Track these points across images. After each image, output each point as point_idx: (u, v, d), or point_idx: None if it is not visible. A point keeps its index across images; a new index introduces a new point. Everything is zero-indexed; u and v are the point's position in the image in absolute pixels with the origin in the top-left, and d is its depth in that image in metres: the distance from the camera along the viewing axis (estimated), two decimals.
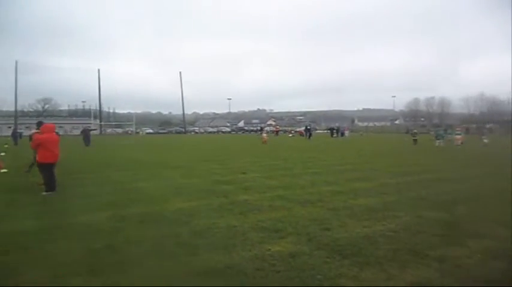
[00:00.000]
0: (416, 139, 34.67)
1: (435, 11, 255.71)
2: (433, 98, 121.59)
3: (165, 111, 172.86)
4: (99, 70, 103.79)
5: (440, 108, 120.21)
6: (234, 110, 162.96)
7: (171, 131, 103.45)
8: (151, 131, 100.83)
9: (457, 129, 35.00)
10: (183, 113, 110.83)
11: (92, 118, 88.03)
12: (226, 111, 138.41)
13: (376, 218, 7.24)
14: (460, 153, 24.44)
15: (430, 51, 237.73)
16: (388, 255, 5.21)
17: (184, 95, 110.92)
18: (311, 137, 49.19)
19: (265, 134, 42.97)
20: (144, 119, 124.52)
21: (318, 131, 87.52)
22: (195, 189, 10.69)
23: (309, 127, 56.38)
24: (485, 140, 30.77)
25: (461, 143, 28.56)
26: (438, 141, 31.31)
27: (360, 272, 4.62)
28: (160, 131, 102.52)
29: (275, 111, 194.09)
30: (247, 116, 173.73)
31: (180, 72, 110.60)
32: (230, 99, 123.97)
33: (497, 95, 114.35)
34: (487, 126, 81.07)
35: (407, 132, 61.78)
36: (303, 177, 12.99)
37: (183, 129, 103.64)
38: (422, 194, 9.61)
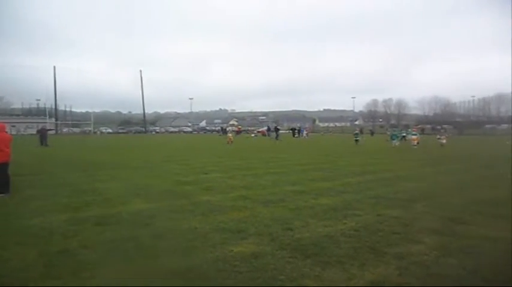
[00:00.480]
0: (358, 139, 35.56)
1: (392, 16, 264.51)
2: (390, 99, 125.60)
3: (124, 111, 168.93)
4: (54, 67, 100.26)
5: (397, 109, 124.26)
6: (196, 109, 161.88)
7: (131, 130, 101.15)
8: (110, 130, 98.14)
9: (413, 130, 36.09)
10: (144, 113, 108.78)
11: (47, 117, 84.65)
12: (188, 111, 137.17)
13: (338, 217, 7.31)
14: (416, 152, 25.27)
15: (387, 54, 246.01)
16: (349, 254, 5.25)
17: (144, 94, 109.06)
18: (278, 138, 48.65)
19: (230, 134, 43.13)
20: (102, 119, 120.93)
21: (280, 131, 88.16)
22: (155, 190, 10.44)
23: (278, 127, 56.02)
24: (443, 141, 31.62)
25: (417, 143, 29.53)
26: (394, 141, 31.99)
27: (322, 272, 4.62)
28: (120, 131, 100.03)
29: (237, 111, 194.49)
30: (209, 116, 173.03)
31: (140, 71, 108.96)
32: (192, 99, 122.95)
33: (450, 97, 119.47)
34: (440, 127, 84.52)
35: (360, 132, 63.36)
36: (265, 177, 12.99)
37: (144, 129, 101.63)
38: (381, 193, 9.82)
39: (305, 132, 62.42)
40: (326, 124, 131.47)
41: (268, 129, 70.01)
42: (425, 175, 13.70)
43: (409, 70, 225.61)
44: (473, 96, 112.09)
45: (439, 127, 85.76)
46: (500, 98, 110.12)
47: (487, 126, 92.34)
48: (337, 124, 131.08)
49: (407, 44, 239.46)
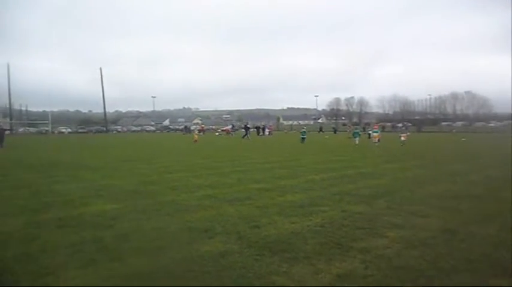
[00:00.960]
0: (304, 137, 35.49)
1: (352, 16, 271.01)
2: (352, 98, 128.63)
3: (84, 110, 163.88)
4: (8, 65, 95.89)
5: (359, 107, 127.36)
6: (159, 108, 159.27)
7: (91, 130, 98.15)
8: (69, 130, 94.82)
9: (374, 127, 37.03)
10: (104, 112, 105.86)
11: (1, 116, 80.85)
12: (150, 109, 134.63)
13: (303, 213, 7.41)
14: (377, 149, 25.97)
15: (348, 54, 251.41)
16: (316, 249, 5.34)
17: (106, 92, 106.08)
18: (248, 136, 47.72)
19: (196, 133, 44.01)
20: (61, 118, 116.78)
21: (243, 130, 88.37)
22: (118, 190, 10.21)
23: (248, 126, 55.19)
24: (403, 138, 30.68)
25: (378, 140, 30.37)
26: (355, 139, 31.92)
27: (289, 268, 4.67)
28: (80, 131, 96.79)
29: (201, 109, 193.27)
30: (172, 115, 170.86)
31: (100, 69, 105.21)
32: (155, 97, 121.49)
33: (408, 96, 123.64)
34: (402, 125, 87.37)
35: (321, 130, 64.34)
36: (231, 175, 12.98)
37: (105, 128, 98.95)
38: (345, 190, 10.03)
39: (267, 130, 62.48)
40: (290, 122, 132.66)
41: (233, 128, 69.94)
42: (386, 171, 14.11)
43: (369, 69, 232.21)
44: (430, 95, 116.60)
45: (399, 125, 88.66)
46: (455, 97, 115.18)
47: (443, 123, 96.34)
48: (301, 122, 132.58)
49: (367, 44, 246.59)
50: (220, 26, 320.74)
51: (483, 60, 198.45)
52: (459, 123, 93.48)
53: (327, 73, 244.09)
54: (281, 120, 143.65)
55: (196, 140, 37.53)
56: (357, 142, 31.05)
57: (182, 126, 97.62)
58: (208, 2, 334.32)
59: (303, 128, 40.15)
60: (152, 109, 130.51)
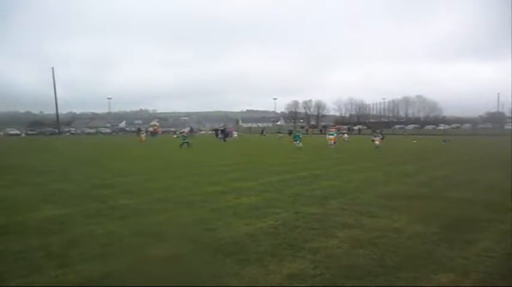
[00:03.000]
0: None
1: (308, 21, 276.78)
2: (310, 101, 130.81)
3: (35, 111, 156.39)
4: None
5: (316, 110, 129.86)
6: (115, 110, 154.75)
7: (42, 132, 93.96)
8: (18, 132, 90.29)
9: (330, 130, 37.85)
10: (57, 113, 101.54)
11: None
12: (106, 111, 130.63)
13: (258, 216, 7.48)
14: (333, 152, 26.55)
15: (305, 58, 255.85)
16: (268, 250, 5.42)
17: (58, 93, 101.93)
18: (226, 139, 45.81)
19: (143, 134, 46.42)
20: (9, 119, 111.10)
21: (202, 132, 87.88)
22: (68, 195, 9.87)
23: (223, 128, 52.17)
24: (377, 142, 28.30)
25: (334, 142, 31.07)
26: (296, 142, 29.52)
27: (241, 270, 4.72)
28: (30, 133, 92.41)
29: (159, 111, 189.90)
30: (129, 117, 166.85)
31: (52, 68, 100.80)
32: (110, 98, 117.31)
33: (364, 99, 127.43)
34: (356, 127, 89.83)
35: (290, 133, 65.03)
36: (187, 178, 12.87)
37: (57, 131, 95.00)
38: (299, 191, 10.21)
39: (235, 133, 60.64)
40: (249, 124, 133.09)
41: (191, 130, 69.22)
42: (340, 173, 14.47)
43: (326, 73, 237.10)
44: (384, 99, 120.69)
45: (355, 127, 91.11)
46: (407, 101, 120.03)
47: (396, 126, 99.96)
48: (260, 124, 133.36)
49: (321, 49, 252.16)
50: (174, 28, 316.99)
51: (432, 66, 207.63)
52: (411, 126, 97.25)
53: (285, 76, 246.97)
54: (240, 123, 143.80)
55: (142, 140, 40.46)
56: (299, 145, 28.92)
57: (142, 129, 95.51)
58: (161, 4, 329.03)
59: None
60: (108, 111, 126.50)
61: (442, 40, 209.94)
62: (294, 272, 4.65)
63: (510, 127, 77.96)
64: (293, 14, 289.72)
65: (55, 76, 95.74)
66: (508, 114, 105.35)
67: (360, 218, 7.35)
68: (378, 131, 40.55)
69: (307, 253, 5.32)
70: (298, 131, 32.88)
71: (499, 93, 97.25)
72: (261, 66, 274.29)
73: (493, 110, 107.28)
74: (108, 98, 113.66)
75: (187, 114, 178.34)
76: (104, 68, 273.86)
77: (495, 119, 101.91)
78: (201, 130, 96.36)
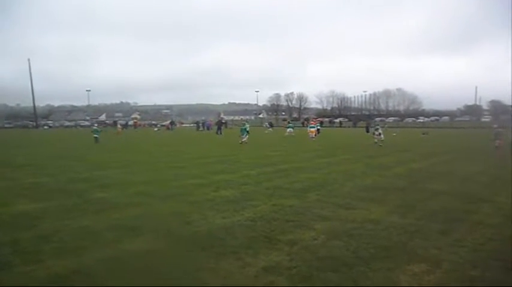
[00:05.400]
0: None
1: (290, 15, 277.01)
2: (292, 93, 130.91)
3: (11, 103, 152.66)
4: None
5: (298, 103, 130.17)
6: (94, 102, 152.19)
7: (19, 125, 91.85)
8: None
9: (311, 123, 37.95)
10: (34, 105, 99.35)
11: None
12: (85, 103, 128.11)
13: (236, 208, 7.45)
14: (313, 144, 26.68)
15: (287, 51, 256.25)
16: (245, 243, 5.40)
17: (36, 85, 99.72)
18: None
19: (119, 126, 48.80)
20: None
21: (184, 125, 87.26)
22: (44, 189, 9.68)
23: (223, 121, 50.60)
24: (381, 136, 24.93)
25: (315, 135, 31.20)
26: (242, 136, 27.52)
27: (217, 263, 4.69)
28: (6, 126, 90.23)
29: (140, 104, 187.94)
30: (109, 109, 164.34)
31: (28, 60, 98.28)
32: (89, 91, 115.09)
33: (345, 92, 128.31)
34: (337, 120, 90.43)
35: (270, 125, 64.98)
36: (167, 171, 12.77)
37: (34, 123, 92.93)
38: (278, 184, 10.22)
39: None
40: (231, 117, 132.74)
41: (172, 123, 68.76)
42: (320, 165, 14.54)
43: (307, 66, 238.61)
44: (365, 92, 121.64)
45: (336, 120, 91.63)
46: (387, 94, 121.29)
47: (377, 119, 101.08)
48: (242, 117, 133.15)
49: (303, 42, 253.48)
50: (156, 21, 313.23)
51: (411, 59, 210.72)
52: (391, 118, 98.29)
53: (267, 69, 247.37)
54: (222, 115, 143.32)
55: (118, 133, 42.07)
56: (245, 140, 27.10)
57: (121, 121, 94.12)
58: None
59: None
60: (87, 103, 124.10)
61: (419, 34, 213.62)
62: (269, 265, 4.65)
63: (487, 120, 79.81)
64: (274, 9, 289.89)
65: (32, 68, 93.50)
66: (485, 107, 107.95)
67: (338, 210, 7.39)
68: (378, 124, 35.78)
69: (283, 246, 5.33)
70: (244, 124, 30.18)
71: (476, 87, 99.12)
72: (243, 60, 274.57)
73: (471, 103, 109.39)
74: (87, 91, 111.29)
75: (169, 107, 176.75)
76: (83, 61, 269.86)
77: (472, 112, 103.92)
78: (182, 123, 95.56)
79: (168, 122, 74.19)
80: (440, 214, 7.11)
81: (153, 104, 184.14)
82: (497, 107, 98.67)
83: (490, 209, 7.46)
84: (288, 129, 36.17)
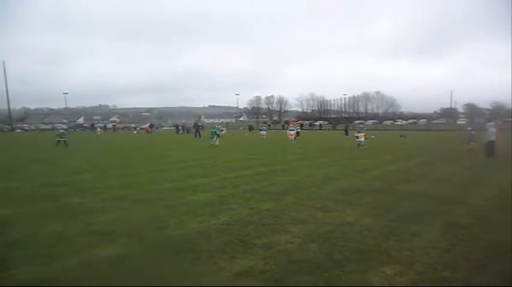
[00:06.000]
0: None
1: (268, 19, 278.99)
2: (272, 96, 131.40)
3: None
4: None
5: (279, 106, 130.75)
6: (72, 105, 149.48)
7: None
8: None
9: (290, 125, 38.21)
10: (9, 108, 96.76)
11: None
12: (62, 106, 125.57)
13: (212, 212, 7.41)
14: (293, 147, 26.80)
15: (267, 54, 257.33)
16: (220, 248, 5.37)
17: (10, 87, 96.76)
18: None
19: (99, 129, 48.88)
20: None
21: (164, 128, 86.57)
22: (16, 194, 9.46)
23: (199, 124, 48.83)
24: (361, 138, 25.30)
25: (295, 138, 31.40)
26: (213, 139, 27.52)
27: (191, 268, 4.66)
28: None
29: (119, 107, 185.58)
30: (87, 112, 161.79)
31: (3, 62, 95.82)
32: (67, 93, 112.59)
33: (325, 95, 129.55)
34: (317, 123, 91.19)
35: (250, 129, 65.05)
36: (144, 175, 12.62)
37: (9, 127, 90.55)
38: (256, 187, 10.22)
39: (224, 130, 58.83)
40: (212, 120, 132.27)
41: (151, 126, 68.11)
42: (298, 168, 14.61)
43: (287, 69, 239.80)
44: (345, 95, 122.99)
45: (316, 123, 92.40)
46: (366, 97, 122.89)
47: (356, 121, 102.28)
48: (223, 120, 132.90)
49: (283, 45, 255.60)
50: (133, 24, 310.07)
51: (390, 63, 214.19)
52: (370, 121, 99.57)
53: (247, 72, 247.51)
54: (202, 118, 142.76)
55: (98, 136, 43.26)
56: (215, 143, 26.83)
57: (98, 125, 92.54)
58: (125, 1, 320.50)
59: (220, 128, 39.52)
60: (64, 106, 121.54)
61: (397, 38, 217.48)
62: (244, 269, 4.63)
63: (462, 122, 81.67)
64: (254, 12, 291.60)
65: (7, 70, 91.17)
66: (460, 110, 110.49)
67: (314, 213, 7.43)
68: (361, 125, 36.38)
69: (258, 249, 5.32)
70: (214, 127, 30.55)
71: (451, 91, 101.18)
72: (224, 63, 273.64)
73: (447, 106, 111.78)
74: (64, 93, 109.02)
75: (149, 110, 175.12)
76: (60, 62, 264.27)
77: (448, 114, 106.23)
78: (162, 126, 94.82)
79: (148, 125, 73.46)
80: (414, 215, 7.22)
81: (132, 106, 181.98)
82: (471, 110, 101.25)
83: (462, 210, 7.62)
84: (262, 133, 36.94)
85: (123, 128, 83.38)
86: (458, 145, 23.34)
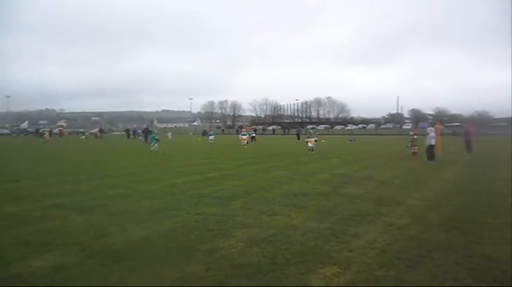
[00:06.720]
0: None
1: (218, 24, 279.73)
2: (226, 101, 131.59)
3: None
4: None
5: (232, 110, 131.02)
6: (15, 109, 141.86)
7: None
8: None
9: (243, 130, 38.44)
10: None
11: None
12: (4, 110, 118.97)
13: (157, 219, 7.29)
14: (245, 152, 26.91)
15: (219, 59, 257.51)
16: (162, 255, 5.29)
17: None
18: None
19: (47, 134, 47.79)
20: None
21: (115, 133, 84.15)
22: None
23: (150, 129, 46.78)
24: (310, 144, 24.75)
25: (247, 142, 31.60)
26: (153, 144, 26.62)
27: (129, 277, 4.54)
28: None
29: (67, 111, 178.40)
30: (32, 117, 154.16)
31: None
32: (9, 96, 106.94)
33: (278, 100, 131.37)
34: (270, 127, 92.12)
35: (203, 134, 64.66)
36: (88, 182, 12.17)
37: None
38: (205, 192, 10.15)
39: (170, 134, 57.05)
40: (164, 125, 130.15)
41: (101, 131, 66.00)
42: (249, 172, 14.68)
43: (240, 74, 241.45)
44: (297, 100, 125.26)
45: (269, 127, 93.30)
46: (318, 102, 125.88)
47: (308, 126, 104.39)
48: (176, 125, 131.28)
49: (234, 50, 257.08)
50: (80, 23, 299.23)
51: (342, 70, 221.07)
52: (322, 126, 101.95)
53: (200, 76, 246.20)
54: (155, 123, 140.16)
55: (47, 141, 42.24)
56: (156, 149, 25.94)
57: (42, 129, 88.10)
58: (64, 1, 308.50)
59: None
60: (6, 110, 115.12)
61: (347, 45, 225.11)
62: (185, 275, 4.58)
63: (408, 127, 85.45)
64: (205, 16, 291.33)
65: None
66: (406, 115, 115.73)
67: (260, 217, 7.49)
68: (312, 131, 36.18)
69: (201, 255, 5.28)
70: (151, 132, 31.40)
71: (398, 97, 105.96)
72: (176, 67, 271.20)
73: (394, 112, 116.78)
74: (6, 96, 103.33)
75: (99, 114, 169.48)
76: (2, 64, 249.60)
77: (395, 119, 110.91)
78: (113, 131, 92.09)
79: (97, 129, 71.09)
80: (356, 217, 7.44)
81: (81, 111, 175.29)
82: (416, 116, 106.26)
83: (401, 211, 7.95)
84: (210, 137, 37.21)
85: (70, 133, 80.00)
86: (403, 148, 24.39)
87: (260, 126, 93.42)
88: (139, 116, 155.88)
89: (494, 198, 9.36)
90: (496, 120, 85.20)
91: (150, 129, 44.42)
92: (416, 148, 18.98)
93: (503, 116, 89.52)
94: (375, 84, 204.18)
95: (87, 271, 4.72)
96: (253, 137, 43.44)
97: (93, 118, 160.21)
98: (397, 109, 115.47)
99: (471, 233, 6.27)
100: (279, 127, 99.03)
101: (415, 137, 19.66)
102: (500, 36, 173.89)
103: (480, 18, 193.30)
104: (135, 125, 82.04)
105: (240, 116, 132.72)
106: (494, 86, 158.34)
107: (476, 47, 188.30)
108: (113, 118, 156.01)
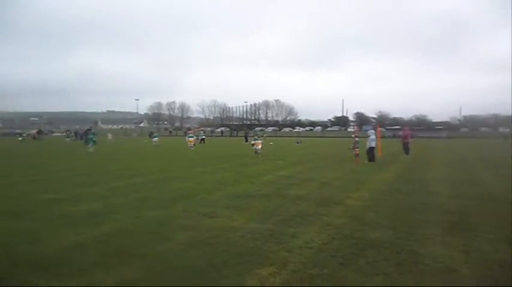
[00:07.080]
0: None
1: (168, 24, 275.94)
2: (173, 102, 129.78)
3: None
4: None
5: (180, 112, 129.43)
6: None
7: None
8: None
9: (190, 132, 38.14)
10: None
11: None
12: None
13: (94, 223, 7.03)
14: (191, 154, 26.64)
15: (165, 60, 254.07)
16: (96, 260, 5.10)
17: None
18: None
19: None
20: None
21: (56, 134, 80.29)
22: None
23: (91, 130, 44.64)
24: (258, 146, 24.11)
25: (194, 145, 31.36)
26: (89, 145, 27.22)
27: (58, 284, 4.35)
28: None
29: (1, 110, 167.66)
30: None
31: None
32: None
33: (227, 102, 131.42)
34: (218, 129, 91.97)
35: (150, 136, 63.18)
36: (20, 186, 11.52)
37: None
38: (147, 195, 9.94)
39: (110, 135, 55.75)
40: (109, 126, 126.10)
41: (39, 132, 62.71)
42: (194, 175, 14.54)
43: (187, 75, 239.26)
44: (246, 102, 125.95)
45: (218, 129, 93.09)
46: (267, 104, 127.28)
47: (257, 128, 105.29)
48: (122, 126, 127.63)
49: (185, 50, 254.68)
50: (15, 17, 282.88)
51: (289, 73, 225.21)
52: (270, 128, 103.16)
53: (147, 77, 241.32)
54: (100, 124, 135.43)
55: None
56: (90, 150, 26.37)
57: None
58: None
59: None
60: None
61: (294, 49, 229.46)
62: (121, 281, 4.45)
63: (353, 129, 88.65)
64: (151, 17, 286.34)
65: None
66: (351, 118, 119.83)
67: (201, 219, 7.44)
68: (259, 133, 36.82)
69: (138, 259, 5.16)
70: (88, 133, 31.91)
71: (343, 100, 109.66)
72: (122, 67, 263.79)
73: (339, 115, 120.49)
74: None
75: (38, 115, 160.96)
76: None
77: (341, 122, 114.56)
78: (53, 132, 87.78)
79: (36, 131, 67.43)
80: (296, 217, 7.59)
81: (19, 111, 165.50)
82: (360, 118, 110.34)
83: (339, 211, 8.21)
84: (154, 139, 37.36)
85: (5, 134, 75.33)
86: (346, 150, 25.24)
87: (209, 128, 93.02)
88: (83, 117, 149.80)
89: (423, 197, 9.92)
90: (433, 124, 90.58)
91: (91, 130, 42.77)
92: (357, 149, 19.68)
93: (440, 120, 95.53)
94: (321, 88, 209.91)
95: (12, 282, 4.46)
96: (203, 139, 43.59)
97: (31, 118, 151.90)
98: (342, 112, 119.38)
99: (401, 231, 6.60)
100: (228, 129, 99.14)
101: (357, 139, 20.39)
102: (438, 45, 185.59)
103: (421, 26, 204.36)
104: (77, 126, 78.64)
105: (188, 117, 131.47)
106: (432, 91, 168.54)
107: (417, 54, 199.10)
108: (54, 119, 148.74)
